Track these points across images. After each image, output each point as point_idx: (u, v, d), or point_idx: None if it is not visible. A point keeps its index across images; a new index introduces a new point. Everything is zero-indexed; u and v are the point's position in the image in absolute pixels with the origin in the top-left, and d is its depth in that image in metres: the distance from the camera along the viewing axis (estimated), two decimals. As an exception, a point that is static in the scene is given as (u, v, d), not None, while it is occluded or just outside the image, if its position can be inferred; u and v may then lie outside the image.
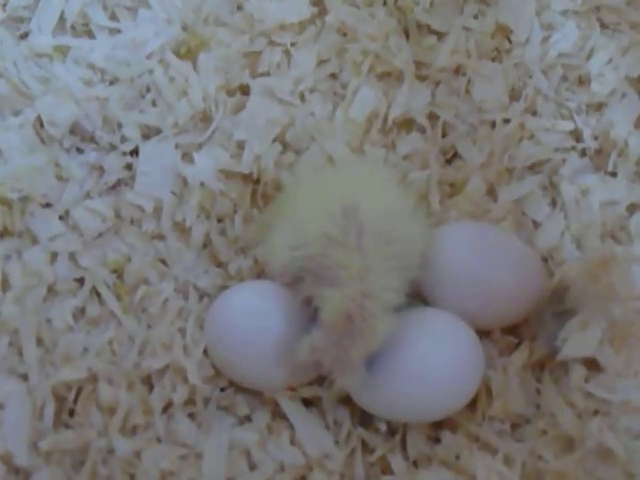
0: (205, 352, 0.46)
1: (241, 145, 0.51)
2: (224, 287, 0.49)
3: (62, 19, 0.54)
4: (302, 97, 0.53)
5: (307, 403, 0.47)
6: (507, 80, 0.54)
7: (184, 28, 0.54)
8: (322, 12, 0.56)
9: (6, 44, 0.53)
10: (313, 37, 0.55)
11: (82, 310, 0.48)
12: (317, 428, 0.45)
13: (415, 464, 0.45)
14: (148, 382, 0.46)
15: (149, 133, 0.52)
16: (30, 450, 0.42)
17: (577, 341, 0.45)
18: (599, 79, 0.54)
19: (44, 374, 0.45)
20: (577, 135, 0.53)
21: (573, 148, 0.53)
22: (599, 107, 0.54)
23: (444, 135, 0.54)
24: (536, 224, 0.51)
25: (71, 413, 0.45)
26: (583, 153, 0.53)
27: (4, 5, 0.54)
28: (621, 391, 0.44)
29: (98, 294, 0.48)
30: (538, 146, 0.53)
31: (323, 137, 0.52)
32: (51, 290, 0.48)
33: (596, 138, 0.53)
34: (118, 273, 0.49)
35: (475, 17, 0.56)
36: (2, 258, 0.47)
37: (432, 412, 0.45)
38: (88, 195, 0.50)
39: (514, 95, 0.54)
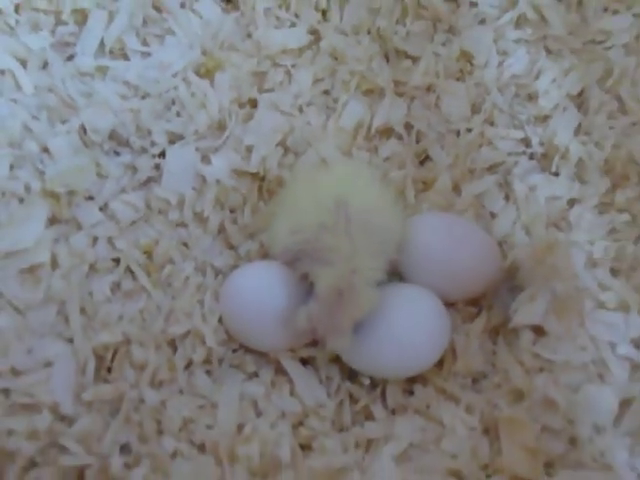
0: (220, 320, 0.46)
1: (250, 149, 0.51)
2: (235, 266, 0.49)
3: (102, 44, 0.53)
4: (300, 109, 0.53)
5: (304, 362, 0.46)
6: (469, 96, 0.54)
7: (203, 52, 0.54)
8: (317, 39, 0.56)
9: (55, 65, 0.52)
10: (310, 60, 0.55)
11: (118, 285, 0.47)
12: (312, 382, 0.45)
13: (393, 412, 0.45)
14: (172, 344, 0.46)
15: (174, 139, 0.51)
16: (74, 400, 0.42)
17: (526, 311, 0.45)
18: (545, 96, 0.53)
19: (86, 337, 0.44)
20: (527, 142, 0.53)
21: (523, 153, 0.53)
22: (545, 119, 0.53)
23: (418, 141, 0.53)
24: (493, 215, 0.51)
25: (109, 370, 0.44)
26: (531, 157, 0.53)
27: (53, 32, 0.53)
28: (562, 352, 0.44)
29: (131, 271, 0.47)
30: (495, 151, 0.52)
31: (318, 142, 0.51)
32: (92, 268, 0.47)
33: (542, 144, 0.53)
34: (148, 254, 0.48)
35: (443, 44, 0.56)
36: (52, 242, 0.46)
37: (407, 369, 0.45)
38: (123, 190, 0.50)
39: (475, 109, 0.54)
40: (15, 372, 0.42)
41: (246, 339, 0.46)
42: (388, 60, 0.55)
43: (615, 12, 0.56)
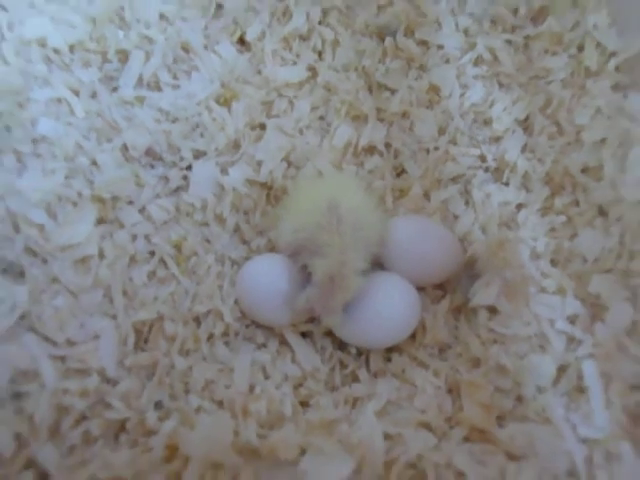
0: (235, 301, 0.46)
1: (260, 163, 0.50)
2: (248, 258, 0.48)
3: (140, 78, 0.53)
4: (301, 131, 0.53)
5: (303, 335, 0.46)
6: (437, 121, 0.53)
7: (222, 85, 0.53)
8: (314, 75, 0.55)
9: (102, 95, 0.51)
10: (308, 92, 0.54)
11: (153, 272, 0.47)
12: (310, 351, 0.45)
13: (375, 375, 0.45)
14: (197, 321, 0.45)
15: (198, 155, 0.51)
16: (117, 366, 0.42)
17: (482, 294, 0.45)
18: (498, 121, 0.53)
19: (127, 315, 0.44)
20: (483, 158, 0.52)
21: (480, 167, 0.52)
22: (498, 139, 0.53)
23: (395, 157, 0.53)
24: (455, 217, 0.50)
25: (145, 341, 0.44)
26: (487, 170, 0.52)
27: (100, 68, 0.52)
28: (511, 327, 0.44)
29: (164, 262, 0.47)
30: (457, 165, 0.52)
31: (315, 158, 0.51)
32: (132, 259, 0.47)
33: (495, 160, 0.52)
34: (177, 248, 0.48)
35: (416, 79, 0.55)
36: (99, 237, 0.46)
37: (386, 341, 0.44)
38: (157, 196, 0.49)
39: (441, 131, 0.53)
40: (70, 343, 0.42)
41: (256, 316, 0.45)
42: (371, 92, 0.54)
43: (554, 53, 0.55)
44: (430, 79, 0.54)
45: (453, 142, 0.52)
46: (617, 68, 0.53)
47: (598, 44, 0.54)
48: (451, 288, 0.47)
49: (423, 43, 0.56)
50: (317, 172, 0.50)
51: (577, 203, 0.49)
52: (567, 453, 0.39)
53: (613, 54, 0.53)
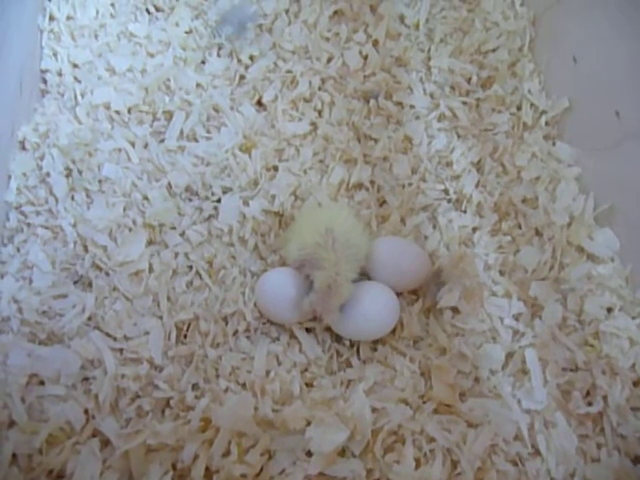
0: (255, 304, 0.46)
1: (273, 197, 0.50)
2: (265, 270, 0.48)
3: (182, 132, 0.53)
4: (305, 172, 0.53)
5: (308, 330, 0.46)
6: (410, 163, 0.54)
7: (244, 137, 0.53)
8: (315, 129, 0.55)
9: (152, 145, 0.52)
10: (311, 141, 0.54)
11: (191, 282, 0.47)
12: (313, 343, 0.45)
13: (364, 362, 0.44)
14: (225, 320, 0.45)
15: (226, 191, 0.51)
16: (163, 356, 0.42)
17: (447, 297, 0.45)
18: (457, 163, 0.53)
19: (170, 315, 0.44)
20: (446, 192, 0.52)
21: (444, 198, 0.52)
22: (457, 177, 0.53)
23: (378, 191, 0.53)
24: (425, 237, 0.50)
25: (185, 336, 0.44)
26: (449, 201, 0.52)
27: (151, 125, 0.54)
28: (470, 323, 0.44)
29: (199, 274, 0.47)
30: (426, 197, 0.52)
31: (316, 192, 0.51)
32: (174, 272, 0.47)
33: (456, 193, 0.52)
34: (210, 263, 0.47)
35: (394, 131, 0.56)
36: (149, 255, 0.46)
37: (373, 335, 0.44)
38: (194, 223, 0.49)
39: (414, 171, 0.54)
40: (126, 338, 0.42)
41: (271, 316, 0.45)
42: (359, 141, 0.55)
43: (499, 112, 0.56)
44: (404, 131, 0.55)
45: (423, 179, 0.53)
46: (547, 123, 0.55)
47: (532, 104, 0.56)
48: (422, 293, 0.47)
49: (399, 104, 0.57)
50: (317, 203, 0.50)
51: (519, 226, 0.50)
52: (514, 421, 0.39)
53: (544, 112, 0.55)
